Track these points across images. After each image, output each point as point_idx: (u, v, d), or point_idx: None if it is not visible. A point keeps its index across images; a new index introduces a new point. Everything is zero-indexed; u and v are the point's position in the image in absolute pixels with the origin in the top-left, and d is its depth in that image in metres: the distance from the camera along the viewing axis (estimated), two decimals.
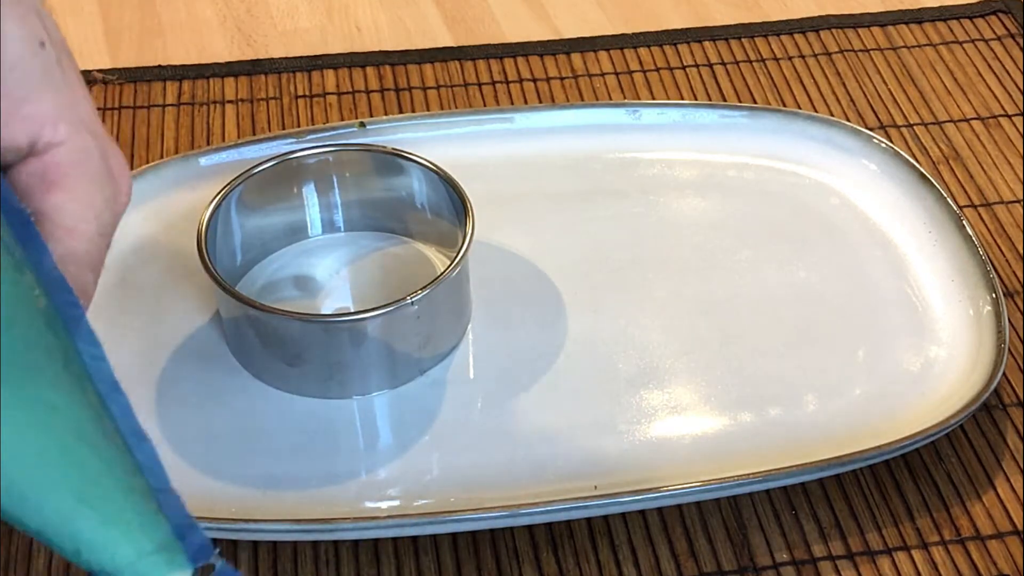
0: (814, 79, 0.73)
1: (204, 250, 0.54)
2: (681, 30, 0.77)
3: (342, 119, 0.70)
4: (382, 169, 0.60)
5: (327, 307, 0.59)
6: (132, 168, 0.65)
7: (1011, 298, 0.60)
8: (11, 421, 0.30)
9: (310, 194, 0.60)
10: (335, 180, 0.60)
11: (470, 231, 0.55)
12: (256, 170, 0.58)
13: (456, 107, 0.71)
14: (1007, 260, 0.62)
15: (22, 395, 0.31)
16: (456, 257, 0.55)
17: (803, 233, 0.63)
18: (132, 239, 0.62)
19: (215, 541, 0.49)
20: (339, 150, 0.60)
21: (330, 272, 0.60)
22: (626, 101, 0.69)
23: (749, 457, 0.52)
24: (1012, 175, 0.67)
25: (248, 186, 0.58)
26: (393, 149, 0.60)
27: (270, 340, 0.54)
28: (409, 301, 0.53)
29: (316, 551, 0.51)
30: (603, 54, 0.75)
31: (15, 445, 0.30)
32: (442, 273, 0.54)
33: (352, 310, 0.58)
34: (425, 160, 0.59)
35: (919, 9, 0.78)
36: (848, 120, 0.69)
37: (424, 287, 0.53)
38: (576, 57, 0.75)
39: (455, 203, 0.57)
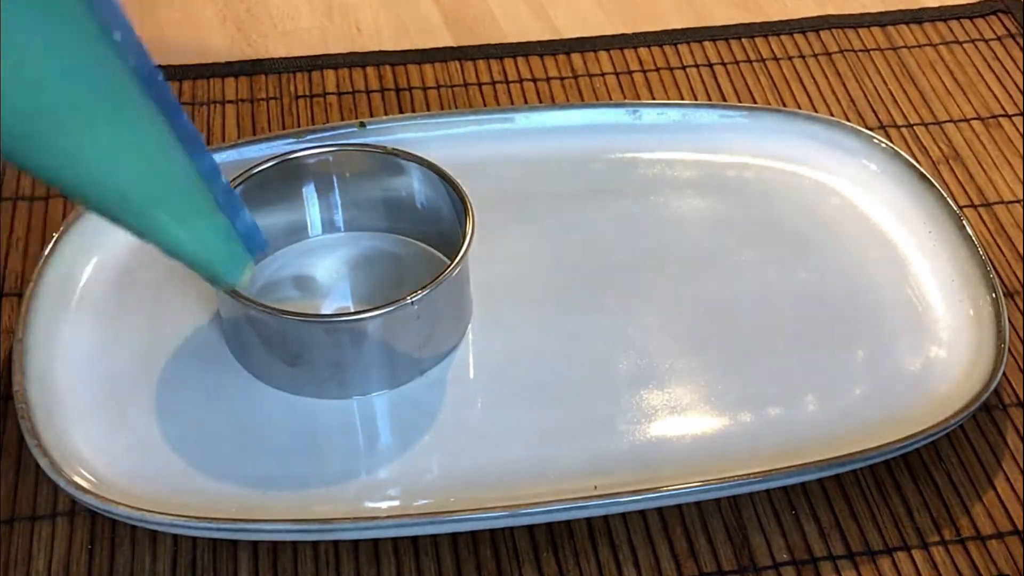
0: (814, 79, 0.73)
1: None
2: (681, 30, 0.77)
3: (342, 119, 0.70)
4: (382, 169, 0.60)
5: (327, 307, 0.59)
6: None
7: (1011, 298, 0.60)
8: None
9: (310, 194, 0.60)
10: (335, 180, 0.60)
11: (470, 231, 0.55)
12: (256, 170, 0.58)
13: (456, 107, 0.71)
14: (1007, 260, 0.62)
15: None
16: (456, 257, 0.55)
17: (803, 233, 0.63)
18: (132, 239, 0.61)
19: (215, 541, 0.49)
20: (339, 150, 0.60)
21: (330, 272, 0.60)
22: (626, 101, 0.69)
23: (749, 457, 0.52)
24: (1012, 175, 0.67)
25: (248, 186, 0.58)
26: (393, 149, 0.60)
27: (270, 340, 0.54)
28: (409, 301, 0.53)
29: (316, 551, 0.51)
30: (603, 54, 0.75)
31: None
32: (442, 273, 0.54)
33: (352, 310, 0.58)
34: (425, 160, 0.59)
35: (919, 9, 0.78)
36: (848, 120, 0.69)
37: (424, 287, 0.53)
38: (576, 57, 0.75)
39: (455, 203, 0.57)
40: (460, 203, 0.57)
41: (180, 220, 0.42)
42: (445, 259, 0.59)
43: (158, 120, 0.39)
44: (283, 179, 0.59)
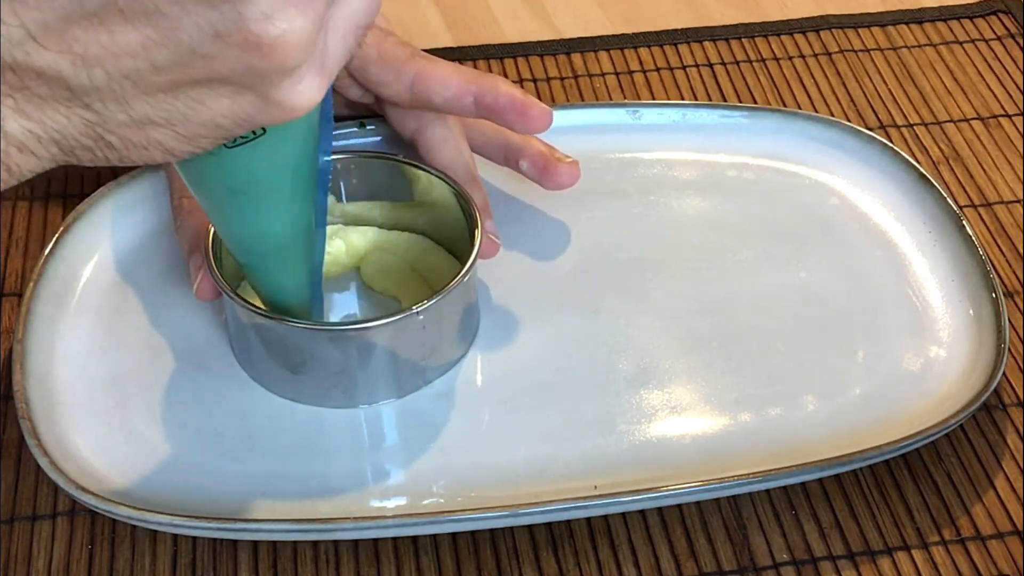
0: (814, 79, 0.73)
1: (210, 254, 0.54)
2: (681, 30, 0.77)
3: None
4: (390, 177, 0.60)
5: (333, 315, 0.58)
6: (133, 168, 0.64)
7: (1011, 298, 0.60)
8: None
9: (318, 200, 0.60)
10: (342, 187, 0.60)
11: (478, 243, 0.55)
12: None
13: None
14: (1007, 260, 0.62)
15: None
16: (464, 270, 0.54)
17: (803, 233, 0.63)
18: (132, 239, 0.62)
19: (215, 541, 0.49)
20: (346, 157, 0.59)
21: (336, 279, 0.60)
22: (626, 101, 0.69)
23: (749, 457, 0.52)
24: (1012, 175, 0.67)
25: None
26: (403, 157, 0.59)
27: (274, 347, 0.54)
28: (415, 311, 0.52)
29: (316, 551, 0.51)
30: (603, 54, 0.75)
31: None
32: (448, 284, 0.54)
33: (358, 318, 0.58)
34: (433, 169, 0.58)
35: (919, 9, 0.78)
36: (848, 120, 0.69)
37: (430, 297, 0.53)
38: (576, 57, 0.75)
39: (465, 212, 0.57)
40: (468, 213, 0.57)
41: (283, 269, 0.51)
42: (456, 262, 0.59)
43: (311, 201, 0.49)
44: None
